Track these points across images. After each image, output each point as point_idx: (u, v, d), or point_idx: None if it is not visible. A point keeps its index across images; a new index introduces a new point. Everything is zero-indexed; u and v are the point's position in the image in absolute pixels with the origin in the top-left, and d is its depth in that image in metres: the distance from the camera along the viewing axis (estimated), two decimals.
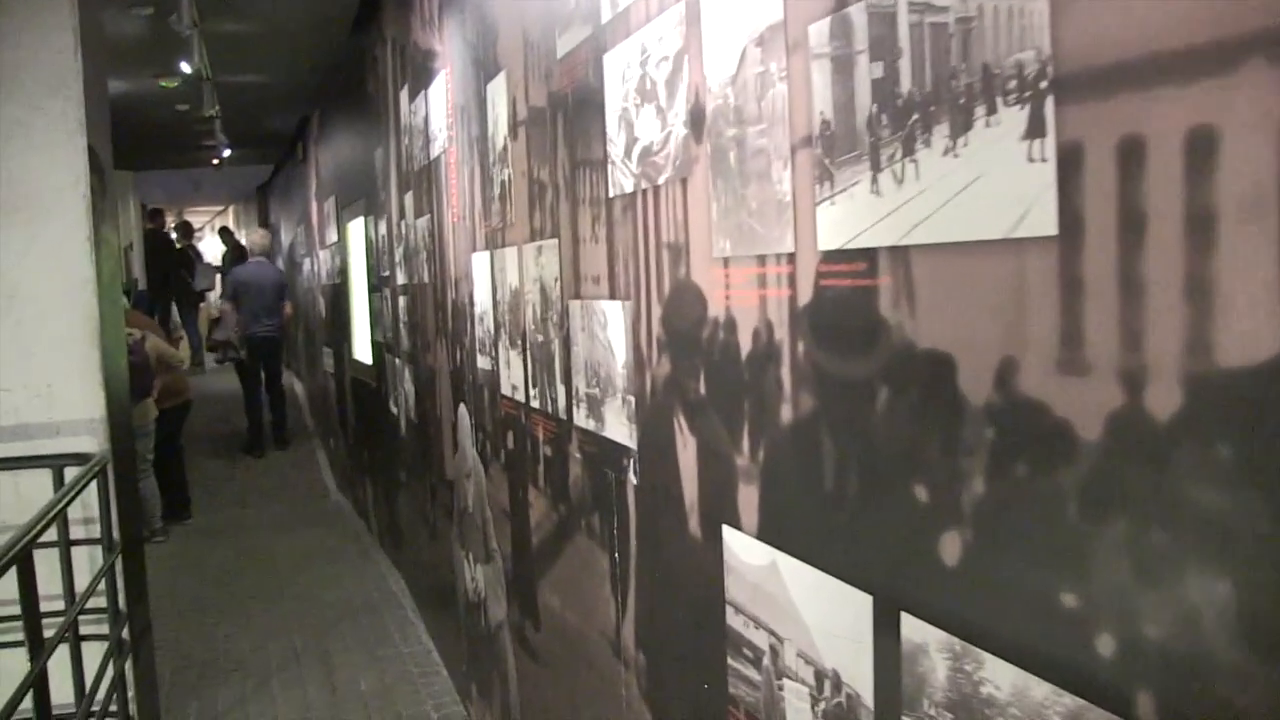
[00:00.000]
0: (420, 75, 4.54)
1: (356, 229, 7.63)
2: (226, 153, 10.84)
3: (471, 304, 3.68)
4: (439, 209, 4.26)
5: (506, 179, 3.05)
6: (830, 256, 1.39)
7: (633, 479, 2.19)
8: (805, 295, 1.46)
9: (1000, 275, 1.10)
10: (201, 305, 15.36)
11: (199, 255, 15.10)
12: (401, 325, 5.59)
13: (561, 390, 2.65)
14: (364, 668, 5.16)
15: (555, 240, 2.62)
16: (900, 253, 1.25)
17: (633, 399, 2.16)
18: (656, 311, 2.01)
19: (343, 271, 8.27)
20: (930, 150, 1.19)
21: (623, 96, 2.10)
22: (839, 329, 1.40)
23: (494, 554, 3.61)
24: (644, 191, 2.03)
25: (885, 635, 1.33)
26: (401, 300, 5.54)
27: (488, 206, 3.33)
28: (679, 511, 1.95)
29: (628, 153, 2.09)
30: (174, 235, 14.27)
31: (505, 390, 3.25)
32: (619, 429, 2.24)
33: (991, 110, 1.09)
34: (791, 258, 1.49)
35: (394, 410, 6.19)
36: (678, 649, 2.03)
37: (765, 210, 1.55)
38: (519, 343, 3.03)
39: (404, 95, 5.06)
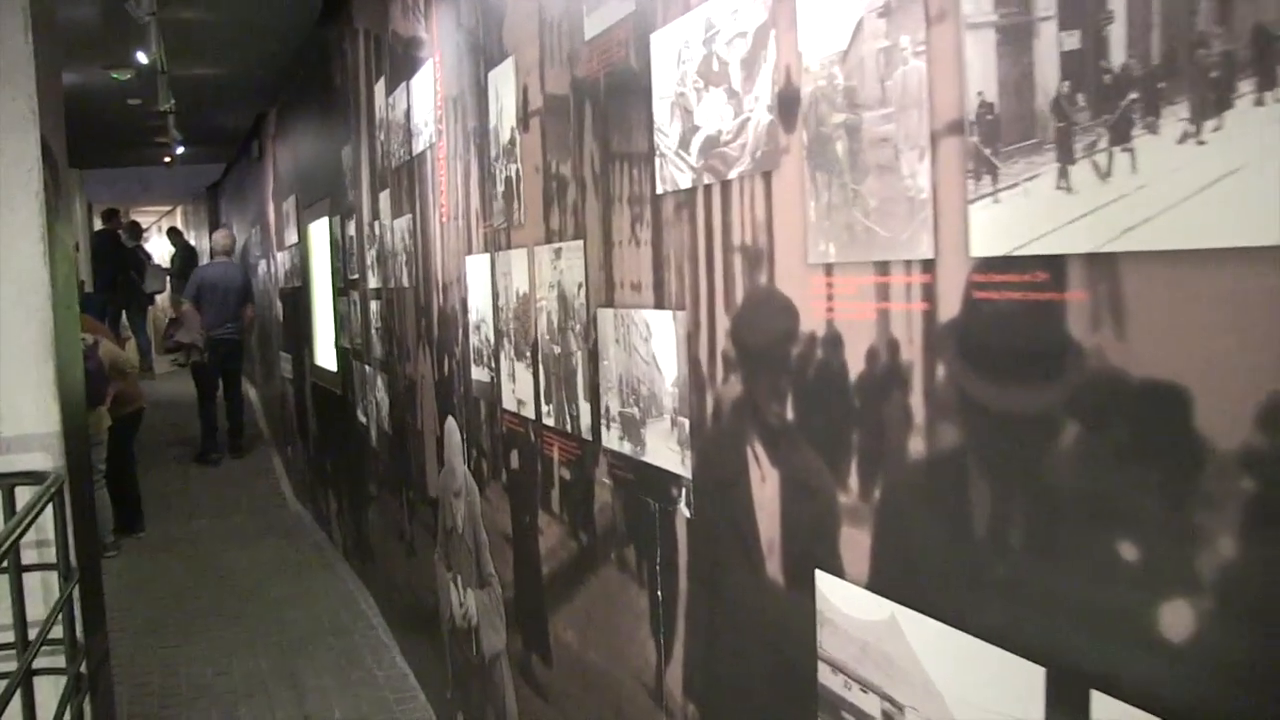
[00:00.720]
0: (401, 66, 4.27)
1: (319, 230, 7.31)
2: (179, 150, 10.44)
3: (464, 310, 3.42)
4: (423, 208, 3.99)
5: (514, 175, 2.80)
6: (989, 265, 1.17)
7: (685, 511, 1.95)
8: (950, 310, 1.23)
9: (1268, 291, 0.87)
10: (150, 307, 14.89)
11: (148, 256, 14.62)
12: (374, 331, 5.30)
13: (585, 408, 2.40)
14: (337, 693, 4.87)
15: (579, 242, 2.37)
16: (1103, 261, 1.02)
17: (686, 422, 1.92)
18: (723, 323, 1.77)
19: (303, 274, 7.94)
20: (1157, 137, 0.96)
21: (678, 80, 1.86)
22: (1002, 351, 1.17)
23: (490, 579, 3.36)
24: (707, 187, 1.79)
25: (1065, 716, 1.11)
26: (374, 305, 5.25)
27: (488, 205, 3.08)
28: (751, 551, 1.72)
29: (684, 144, 1.85)
30: (122, 236, 13.78)
31: (508, 405, 3.00)
32: (666, 455, 2.00)
33: (1269, 84, 0.86)
34: (929, 265, 1.26)
35: (363, 420, 5.89)
36: (745, 704, 1.80)
37: (890, 209, 1.32)
38: (527, 354, 2.78)
39: (379, 89, 4.78)
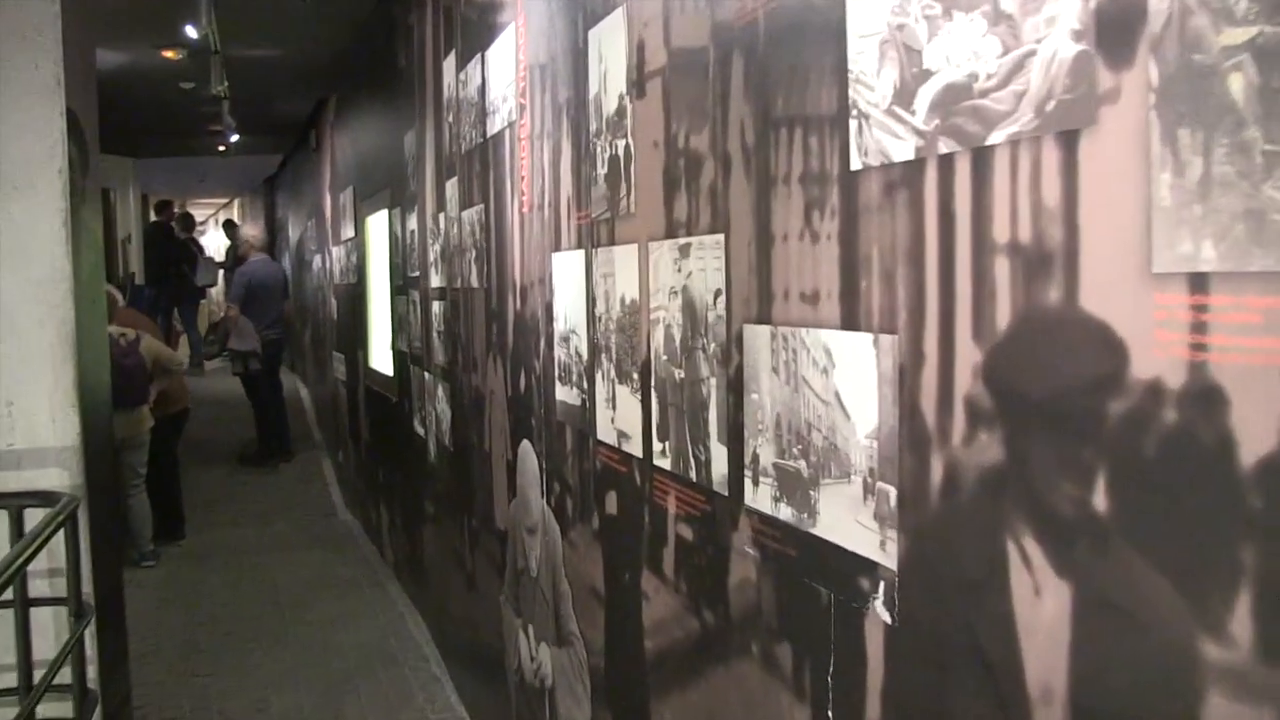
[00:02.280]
0: (475, 36, 3.74)
1: (378, 224, 6.84)
2: (234, 138, 10.03)
3: (548, 318, 2.88)
4: (498, 197, 3.46)
5: (621, 153, 2.25)
6: None
7: (881, 612, 1.39)
8: None
9: None
10: (202, 302, 14.56)
11: (201, 249, 14.29)
12: (435, 336, 4.79)
13: (720, 454, 1.85)
14: None
15: (718, 237, 1.82)
16: None
17: (891, 490, 1.35)
18: (968, 356, 1.21)
19: (359, 271, 7.47)
20: None
21: (894, 7, 1.31)
22: None
23: (572, 638, 2.81)
24: (945, 158, 1.23)
25: None
26: (436, 306, 4.73)
27: (584, 192, 2.53)
28: (1007, 693, 1.15)
29: (903, 98, 1.29)
30: (174, 228, 13.44)
31: (605, 436, 2.45)
32: (853, 531, 1.44)
33: None
34: None
35: (420, 431, 5.39)
36: None
37: None
38: (634, 377, 2.23)
39: (449, 65, 4.26)
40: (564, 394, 2.77)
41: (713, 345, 1.86)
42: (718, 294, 1.83)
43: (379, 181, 6.50)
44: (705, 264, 1.88)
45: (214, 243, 20.07)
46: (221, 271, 14.38)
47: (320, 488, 9.14)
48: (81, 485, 3.32)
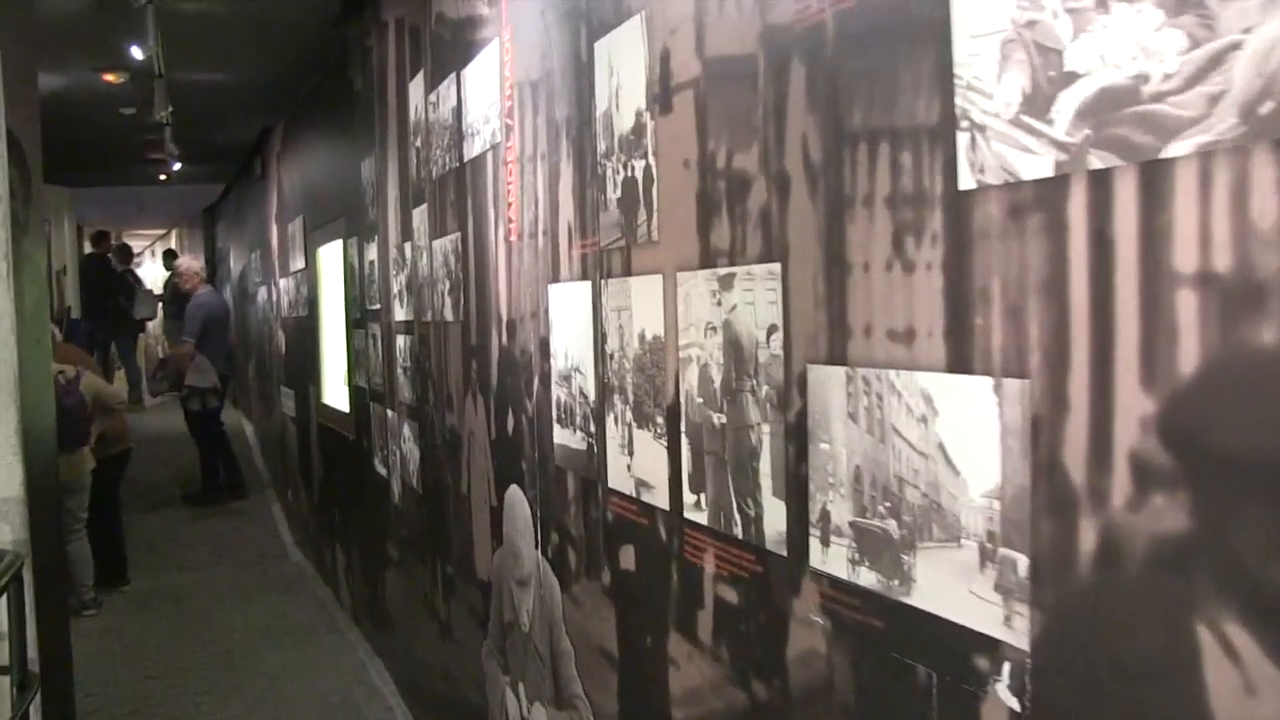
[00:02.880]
0: (448, 56, 3.54)
1: (331, 254, 6.58)
2: (176, 166, 9.68)
3: (544, 354, 2.67)
4: (479, 225, 3.24)
5: (641, 174, 2.05)
6: None
7: (1007, 699, 1.19)
8: None
9: None
10: (140, 335, 14.09)
11: (139, 281, 13.82)
12: (400, 372, 4.54)
13: (774, 508, 1.65)
14: None
15: (772, 266, 1.63)
16: None
17: (1021, 559, 1.16)
18: (1133, 405, 1.02)
19: (310, 303, 7.18)
20: None
21: (1022, 2, 1.12)
22: None
23: (576, 701, 2.59)
24: (1097, 174, 1.05)
25: None
26: (402, 341, 4.49)
27: (590, 217, 2.33)
28: None
29: (1035, 106, 1.11)
30: (112, 260, 12.98)
31: (619, 484, 2.24)
32: (967, 602, 1.24)
33: None
34: None
35: (381, 471, 5.12)
36: None
37: None
38: (658, 420, 2.02)
39: (416, 86, 4.05)
40: (564, 437, 2.55)
41: (765, 388, 1.66)
42: (772, 330, 1.64)
43: (332, 210, 6.24)
44: (755, 296, 1.68)
45: (151, 274, 19.54)
46: (160, 304, 13.93)
47: (269, 528, 8.78)
48: (26, 540, 3.04)
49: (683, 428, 1.94)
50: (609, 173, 2.21)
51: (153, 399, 12.55)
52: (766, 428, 1.67)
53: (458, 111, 3.43)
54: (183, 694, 5.32)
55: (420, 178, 4.01)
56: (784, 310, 1.61)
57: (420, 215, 4.03)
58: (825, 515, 1.53)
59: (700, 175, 1.84)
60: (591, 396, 2.36)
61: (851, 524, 1.47)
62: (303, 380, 7.61)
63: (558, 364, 2.57)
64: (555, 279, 2.57)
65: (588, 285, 2.35)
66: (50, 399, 3.50)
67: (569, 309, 2.48)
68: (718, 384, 1.80)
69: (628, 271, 2.15)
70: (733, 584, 1.80)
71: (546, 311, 2.64)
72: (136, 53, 5.28)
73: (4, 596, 2.79)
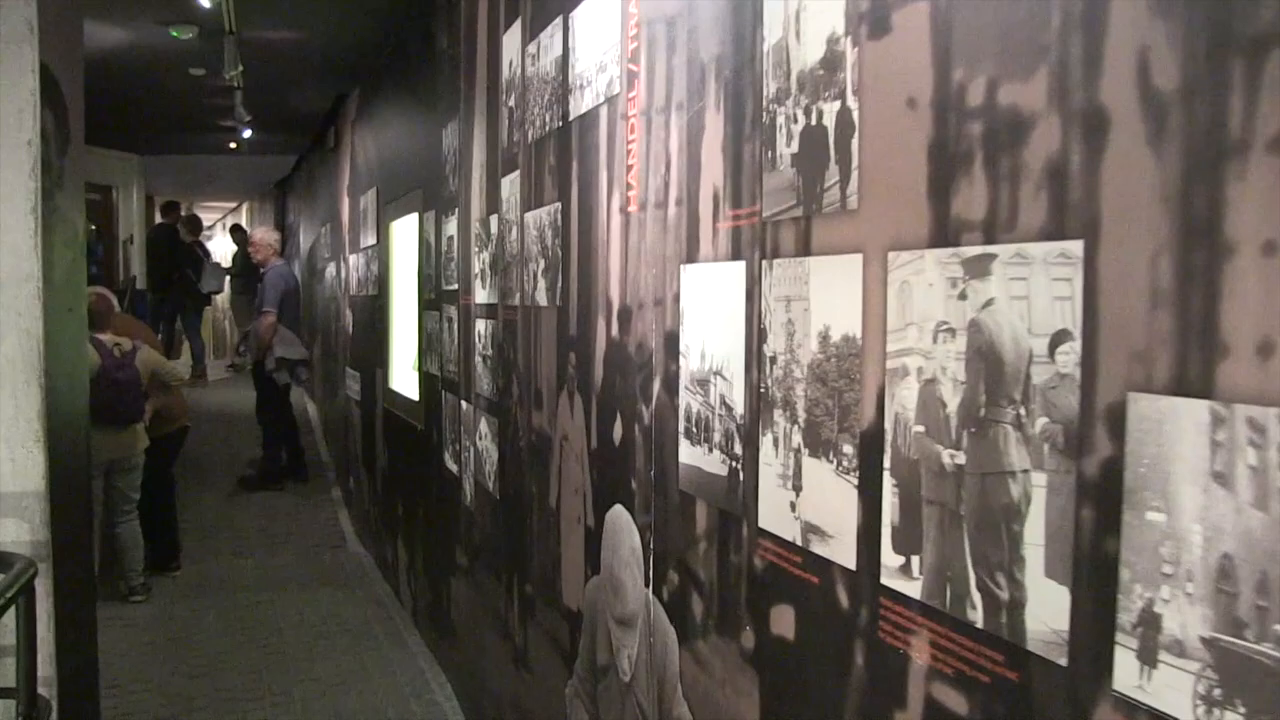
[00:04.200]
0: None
1: (404, 229, 6.14)
2: (246, 134, 9.31)
3: (671, 352, 2.16)
4: (585, 193, 2.75)
5: (833, 121, 1.54)
6: None
7: None
8: None
9: None
10: (206, 308, 13.82)
11: (206, 254, 13.55)
12: (479, 360, 4.07)
13: (1052, 595, 1.13)
14: None
15: (1069, 245, 1.11)
16: None
17: None
18: None
19: (380, 281, 6.76)
20: None
21: None
22: None
23: None
24: None
25: None
26: (482, 326, 4.02)
27: (747, 179, 1.82)
28: None
29: None
30: (180, 230, 12.70)
31: (774, 526, 1.73)
32: None
33: None
34: None
35: (452, 468, 4.67)
36: None
37: None
38: (848, 450, 1.51)
39: (510, 39, 3.56)
40: (694, 457, 2.05)
41: (1041, 420, 1.14)
42: (1060, 339, 1.11)
43: (408, 182, 5.79)
44: (1030, 288, 1.16)
45: (220, 248, 19.37)
46: (228, 277, 13.65)
47: (329, 515, 8.40)
48: (46, 542, 2.60)
49: (886, 463, 1.42)
50: (780, 122, 1.70)
51: (234, 373, 12.22)
52: (1041, 478, 1.15)
53: (563, 62, 2.93)
54: (227, 699, 4.92)
55: (513, 142, 3.52)
56: (1085, 309, 1.08)
57: (511, 184, 3.55)
58: (1151, 620, 1.00)
59: (935, 118, 1.32)
60: (739, 409, 1.85)
61: (1208, 641, 0.95)
62: (370, 363, 7.19)
63: (690, 365, 2.06)
64: (691, 258, 2.06)
65: (740, 267, 1.84)
66: (83, 379, 3.07)
67: (711, 297, 1.97)
68: (952, 409, 1.28)
69: (805, 249, 1.63)
70: (961, 688, 1.28)
71: (676, 299, 2.13)
72: (204, 1, 4.84)
73: (13, 608, 2.35)
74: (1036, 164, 1.16)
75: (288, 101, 8.55)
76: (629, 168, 2.40)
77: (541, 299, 3.15)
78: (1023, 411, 1.17)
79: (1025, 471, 1.17)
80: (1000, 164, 1.21)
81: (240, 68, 5.76)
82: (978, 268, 1.24)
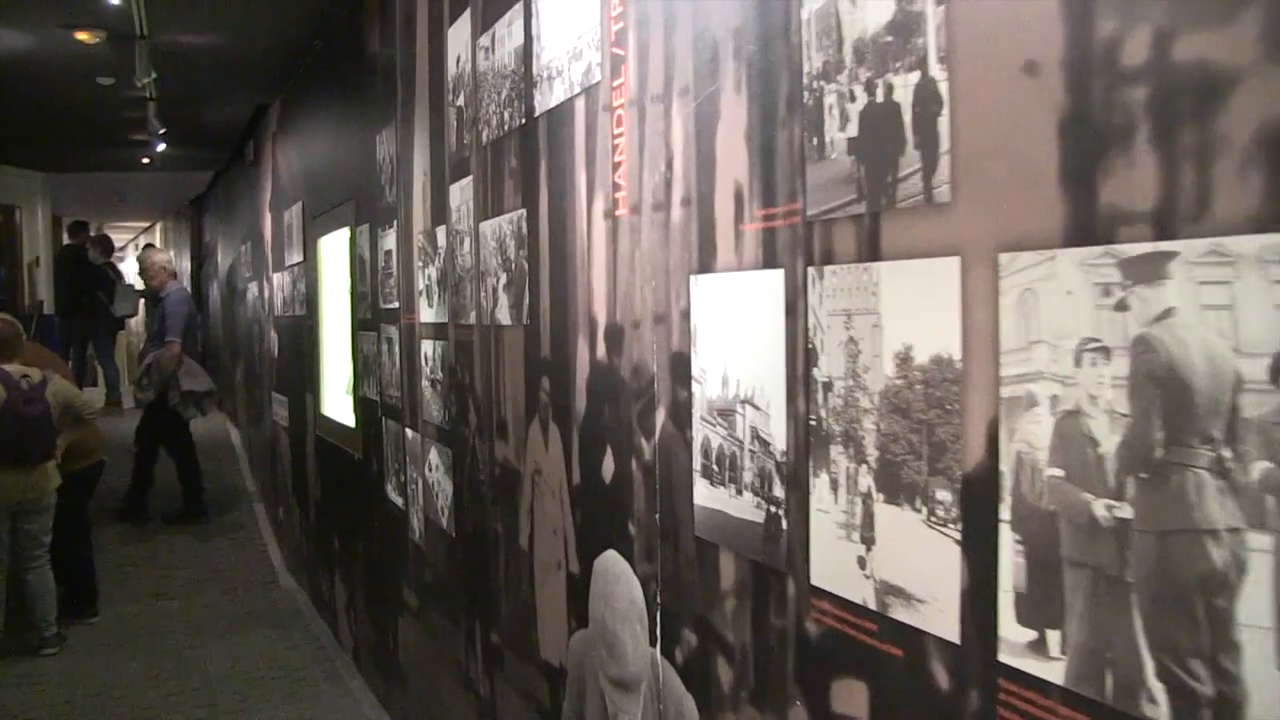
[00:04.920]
0: None
1: (334, 245, 5.77)
2: (160, 147, 8.82)
3: (679, 377, 1.87)
4: (556, 197, 2.45)
5: (909, 97, 1.27)
6: None
7: None
8: None
9: None
10: (120, 333, 13.18)
11: (119, 275, 12.92)
12: (427, 385, 3.74)
13: (1274, 687, 0.85)
14: None
15: None
16: None
17: None
18: None
19: (309, 301, 6.36)
20: None
21: None
22: None
23: None
24: None
25: None
26: (429, 347, 3.69)
27: (783, 172, 1.55)
28: None
29: None
30: (90, 252, 12.07)
31: (834, 584, 1.44)
32: None
33: None
34: None
35: (396, 500, 4.32)
36: None
37: None
38: (938, 497, 1.23)
39: (456, 34, 3.25)
40: (716, 499, 1.75)
41: (1261, 464, 0.87)
42: None
43: (337, 195, 5.43)
44: (1237, 293, 0.89)
45: (133, 269, 18.62)
46: (142, 300, 13.03)
47: (257, 550, 7.93)
48: None
49: (1004, 514, 1.14)
50: (830, 102, 1.42)
51: (137, 408, 11.54)
52: (1262, 539, 0.87)
53: (525, 53, 2.63)
54: None
55: (463, 145, 3.21)
56: None
57: (461, 192, 3.23)
58: None
59: (1070, 84, 1.05)
60: (778, 444, 1.56)
61: None
62: (299, 387, 6.78)
63: (707, 392, 1.77)
64: (705, 268, 1.77)
65: (777, 276, 1.56)
66: None
67: (734, 312, 1.69)
68: (1108, 448, 1.01)
69: (871, 253, 1.35)
70: None
71: (685, 315, 1.84)
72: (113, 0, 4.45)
73: None
74: (1239, 135, 0.89)
75: (204, 113, 8.09)
76: (616, 166, 2.11)
77: (504, 317, 2.84)
78: (1227, 454, 0.90)
79: (1234, 531, 0.90)
80: (1179, 138, 0.94)
81: (153, 75, 5.35)
82: (1146, 270, 0.97)
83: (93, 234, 12.70)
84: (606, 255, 2.16)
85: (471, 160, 3.13)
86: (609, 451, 2.19)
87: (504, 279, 2.83)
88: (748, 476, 1.66)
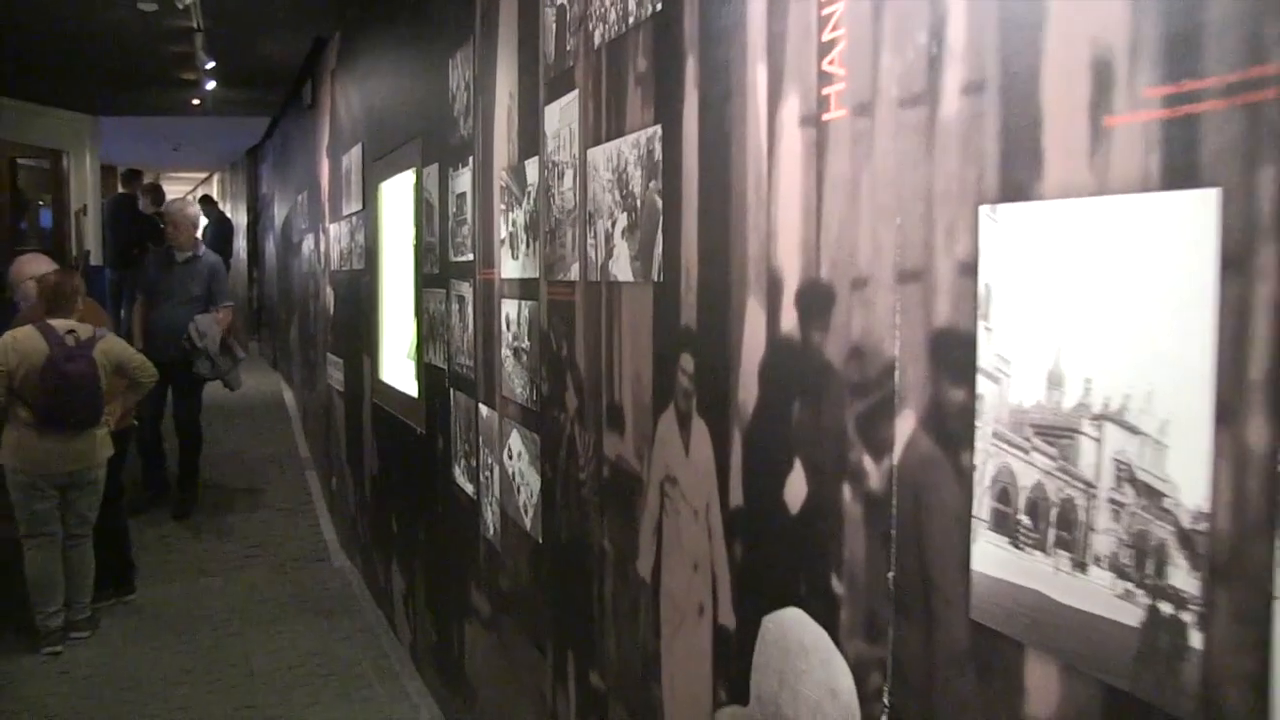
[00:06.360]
0: None
1: (398, 190, 5.13)
2: (210, 85, 8.19)
3: (952, 367, 1.17)
4: (710, 106, 1.75)
5: None
6: None
7: None
8: None
9: None
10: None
11: None
12: (507, 354, 3.08)
13: None
14: None
15: None
16: None
17: None
18: None
19: (368, 254, 5.72)
20: None
21: None
22: None
23: None
24: None
25: None
26: (512, 309, 3.02)
27: (1217, 21, 0.82)
28: None
29: None
30: (140, 201, 11.55)
31: None
32: None
33: None
34: None
35: (466, 487, 3.68)
36: None
37: None
38: None
39: None
40: (1029, 569, 1.06)
41: None
42: None
43: (402, 133, 4.77)
44: None
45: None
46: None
47: (308, 521, 7.37)
48: None
49: None
50: None
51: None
52: None
53: None
54: None
55: (564, 52, 2.52)
56: None
57: (562, 112, 2.54)
58: None
59: None
60: (1189, 497, 0.87)
61: None
62: (355, 349, 6.17)
63: (1012, 393, 1.08)
64: (1012, 193, 1.07)
65: (1209, 200, 0.85)
66: None
67: (1083, 264, 0.99)
68: None
69: None
70: None
71: (967, 269, 1.14)
72: None
73: None
74: None
75: (257, 47, 7.43)
76: (827, 46, 1.40)
77: (622, 271, 2.16)
78: None
79: None
80: None
81: None
82: None
83: (146, 183, 12.15)
84: (804, 180, 1.46)
85: (577, 70, 2.44)
86: (798, 467, 1.50)
87: (623, 221, 2.14)
88: (1104, 543, 0.96)
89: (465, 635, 3.83)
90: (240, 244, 16.20)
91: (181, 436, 7.16)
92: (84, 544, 5.10)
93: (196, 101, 9.27)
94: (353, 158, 6.18)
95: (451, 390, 3.90)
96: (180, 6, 4.89)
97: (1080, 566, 1.01)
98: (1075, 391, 1.01)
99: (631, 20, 2.10)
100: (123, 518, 5.73)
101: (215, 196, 18.13)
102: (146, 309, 6.98)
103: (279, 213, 11.56)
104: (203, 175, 20.80)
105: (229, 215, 16.22)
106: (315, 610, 5.71)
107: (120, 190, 12.22)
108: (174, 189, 17.71)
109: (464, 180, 3.64)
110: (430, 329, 4.30)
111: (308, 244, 8.61)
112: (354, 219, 6.13)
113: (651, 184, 2.00)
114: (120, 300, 10.67)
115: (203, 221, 7.66)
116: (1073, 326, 1.01)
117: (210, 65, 6.83)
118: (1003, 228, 1.10)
